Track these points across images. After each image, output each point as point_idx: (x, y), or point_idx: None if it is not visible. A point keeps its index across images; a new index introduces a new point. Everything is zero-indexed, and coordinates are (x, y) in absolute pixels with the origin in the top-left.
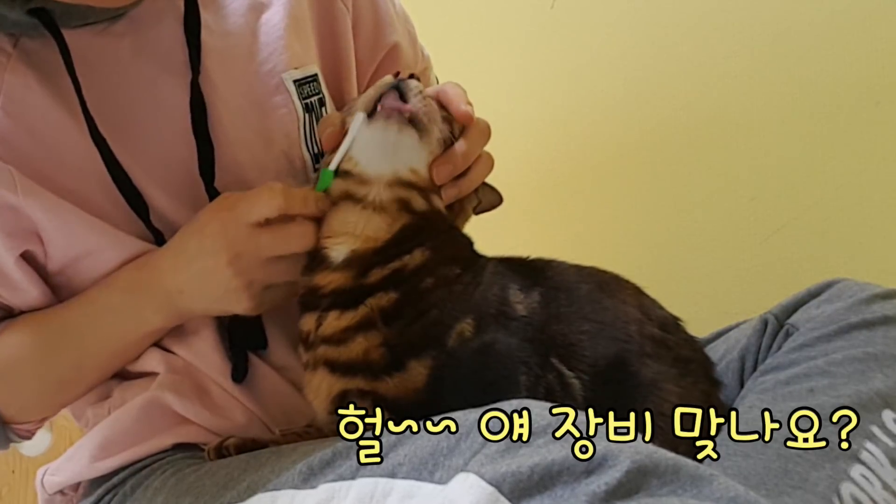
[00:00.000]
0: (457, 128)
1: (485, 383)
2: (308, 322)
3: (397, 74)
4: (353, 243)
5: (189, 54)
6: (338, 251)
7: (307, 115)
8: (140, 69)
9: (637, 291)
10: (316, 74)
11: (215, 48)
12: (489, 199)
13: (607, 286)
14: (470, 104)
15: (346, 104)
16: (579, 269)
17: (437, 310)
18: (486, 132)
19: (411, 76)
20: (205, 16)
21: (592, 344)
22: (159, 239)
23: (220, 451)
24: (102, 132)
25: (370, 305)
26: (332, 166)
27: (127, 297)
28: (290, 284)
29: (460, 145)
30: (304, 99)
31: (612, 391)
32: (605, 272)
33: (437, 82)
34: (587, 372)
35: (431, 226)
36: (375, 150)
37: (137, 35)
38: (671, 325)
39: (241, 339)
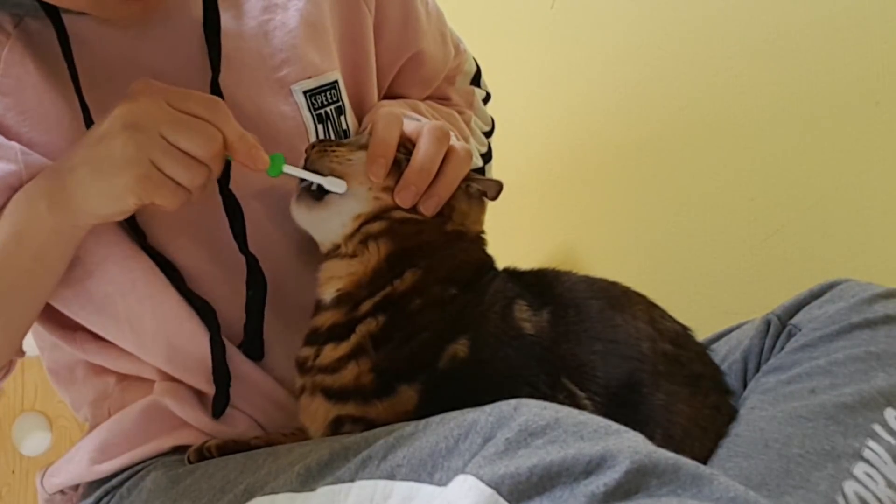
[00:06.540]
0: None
1: (481, 404)
2: (307, 351)
3: (309, 148)
4: (338, 283)
5: (209, 54)
6: (328, 293)
7: (320, 126)
8: (144, 61)
9: (648, 304)
10: (335, 82)
11: (226, 50)
12: (490, 188)
13: (618, 302)
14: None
15: (368, 110)
16: (590, 284)
17: (427, 332)
18: (436, 133)
19: (319, 142)
20: (223, 15)
21: (605, 364)
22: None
23: (202, 454)
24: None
25: (360, 332)
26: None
27: (27, 189)
28: (180, 190)
29: (413, 161)
30: (318, 109)
31: (625, 413)
32: (615, 285)
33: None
34: (600, 393)
35: (424, 245)
36: (311, 228)
37: (144, 27)
38: (682, 338)
39: (226, 374)
